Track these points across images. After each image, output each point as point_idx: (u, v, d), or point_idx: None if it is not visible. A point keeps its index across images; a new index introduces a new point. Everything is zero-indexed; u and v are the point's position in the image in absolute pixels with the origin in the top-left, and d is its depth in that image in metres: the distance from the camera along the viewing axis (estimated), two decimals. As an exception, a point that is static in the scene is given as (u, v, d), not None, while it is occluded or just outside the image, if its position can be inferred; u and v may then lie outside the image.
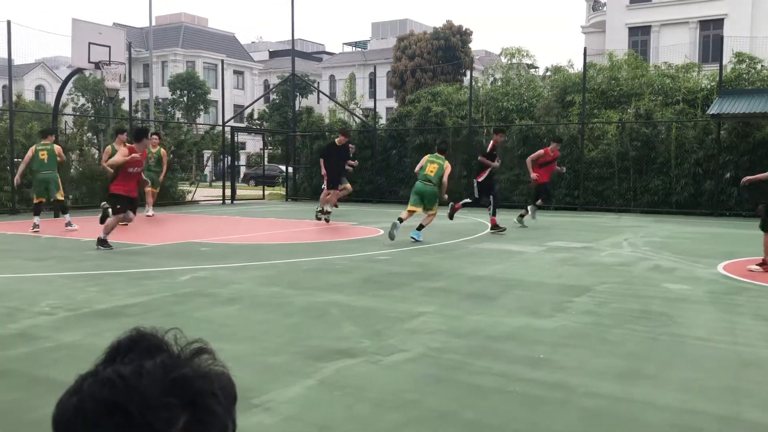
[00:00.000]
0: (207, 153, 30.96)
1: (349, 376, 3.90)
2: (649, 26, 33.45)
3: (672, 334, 4.96)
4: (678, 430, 3.16)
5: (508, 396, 3.59)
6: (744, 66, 18.62)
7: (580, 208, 18.38)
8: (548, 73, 23.69)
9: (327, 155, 13.81)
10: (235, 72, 60.85)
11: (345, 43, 73.62)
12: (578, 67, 22.33)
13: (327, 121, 26.51)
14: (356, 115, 25.58)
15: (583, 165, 18.68)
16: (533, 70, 28.53)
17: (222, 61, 28.34)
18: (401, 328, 5.02)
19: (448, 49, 42.27)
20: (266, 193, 26.29)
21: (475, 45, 62.99)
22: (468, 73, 22.25)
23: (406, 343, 4.61)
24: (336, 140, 13.89)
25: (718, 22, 31.55)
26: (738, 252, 9.68)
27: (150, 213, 14.83)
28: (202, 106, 49.06)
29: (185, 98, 48.35)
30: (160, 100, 47.05)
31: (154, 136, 15.32)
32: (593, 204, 18.53)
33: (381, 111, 41.99)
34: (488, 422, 3.22)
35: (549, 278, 7.35)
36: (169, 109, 47.56)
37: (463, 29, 43.44)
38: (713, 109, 16.19)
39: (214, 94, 47.29)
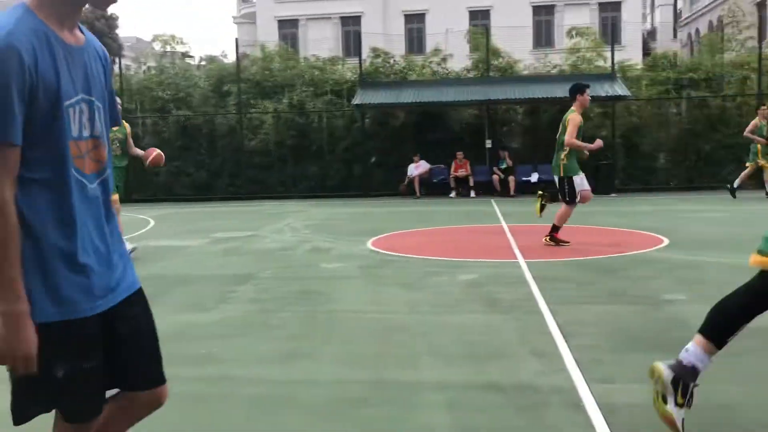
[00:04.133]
0: None
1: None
2: (297, 20, 35.24)
3: (328, 310, 5.30)
4: (334, 401, 3.36)
5: (170, 400, 3.44)
6: (380, 60, 20.71)
7: (244, 197, 18.66)
8: (203, 63, 23.47)
9: None
10: None
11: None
12: (232, 57, 22.51)
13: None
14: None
15: (244, 154, 18.97)
16: (188, 59, 28.00)
17: None
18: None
19: (93, 35, 39.12)
20: None
21: (125, 31, 59.51)
22: (117, 60, 20.87)
23: (53, 361, 4.14)
24: None
25: (356, 19, 34.60)
26: (384, 228, 10.75)
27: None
28: None
29: None
30: None
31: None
32: (256, 192, 18.94)
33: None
34: (148, 432, 3.04)
35: (213, 270, 7.30)
36: None
37: (109, 14, 40.64)
38: (356, 100, 17.73)
39: None
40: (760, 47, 18.22)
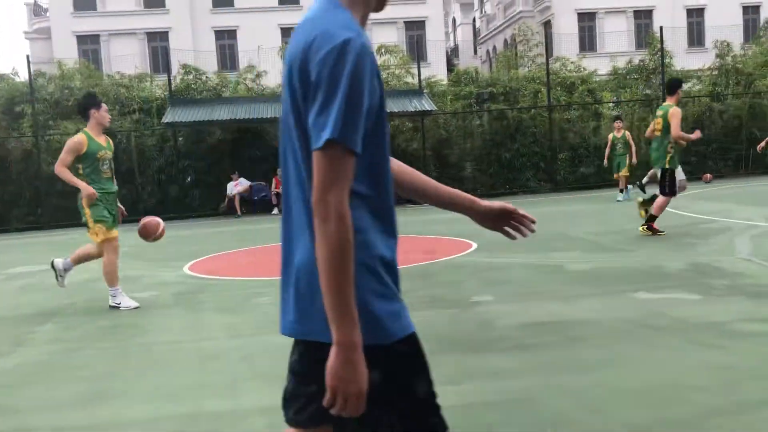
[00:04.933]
0: None
1: None
2: (98, 35, 33.18)
3: (142, 344, 5.00)
4: (146, 441, 3.17)
5: (-48, 464, 3.06)
6: (191, 77, 20.10)
7: (47, 227, 17.17)
8: (-10, 81, 21.33)
9: None
10: None
11: None
12: (24, 75, 20.69)
13: None
14: None
15: (43, 180, 17.46)
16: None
17: None
18: None
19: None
20: None
21: None
22: None
23: None
24: None
25: (163, 35, 33.27)
26: (203, 251, 10.40)
27: None
28: None
29: None
30: None
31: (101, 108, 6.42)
32: (60, 221, 17.50)
33: None
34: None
35: (8, 310, 6.62)
36: None
37: None
38: (167, 118, 17.03)
39: None
40: (547, 63, 20.10)
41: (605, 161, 15.14)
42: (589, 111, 19.98)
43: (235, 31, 33.83)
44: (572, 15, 35.47)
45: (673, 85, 9.10)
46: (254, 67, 20.73)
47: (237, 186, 17.80)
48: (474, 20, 50.47)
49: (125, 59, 27.55)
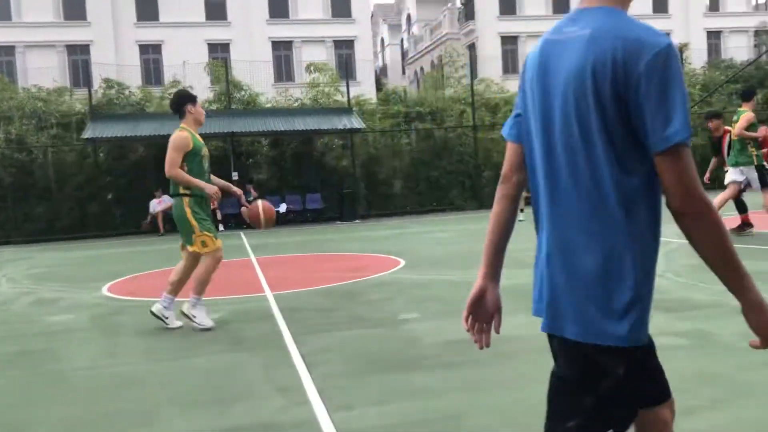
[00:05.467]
0: None
1: None
2: (14, 46, 31.82)
3: (53, 371, 4.75)
4: (55, 475, 2.99)
5: None
6: (114, 91, 19.53)
7: (-47, 246, 16.22)
8: None
9: None
10: None
11: None
12: (-68, 86, 19.65)
13: None
14: None
15: (-50, 197, 16.54)
16: None
17: None
18: None
19: None
20: None
21: None
22: None
23: None
24: None
25: (84, 48, 32.22)
26: (123, 271, 10.04)
27: None
28: None
29: None
30: None
31: (197, 104, 6.03)
32: (-31, 239, 16.60)
33: None
34: None
35: None
36: None
37: None
38: (87, 133, 16.46)
39: None
40: (472, 84, 20.56)
41: None
42: (513, 131, 20.50)
43: (160, 45, 33.11)
44: (496, 38, 36.44)
45: (748, 92, 9.95)
46: (179, 82, 20.35)
47: (160, 203, 17.33)
48: (402, 41, 51.16)
49: (43, 72, 26.49)
